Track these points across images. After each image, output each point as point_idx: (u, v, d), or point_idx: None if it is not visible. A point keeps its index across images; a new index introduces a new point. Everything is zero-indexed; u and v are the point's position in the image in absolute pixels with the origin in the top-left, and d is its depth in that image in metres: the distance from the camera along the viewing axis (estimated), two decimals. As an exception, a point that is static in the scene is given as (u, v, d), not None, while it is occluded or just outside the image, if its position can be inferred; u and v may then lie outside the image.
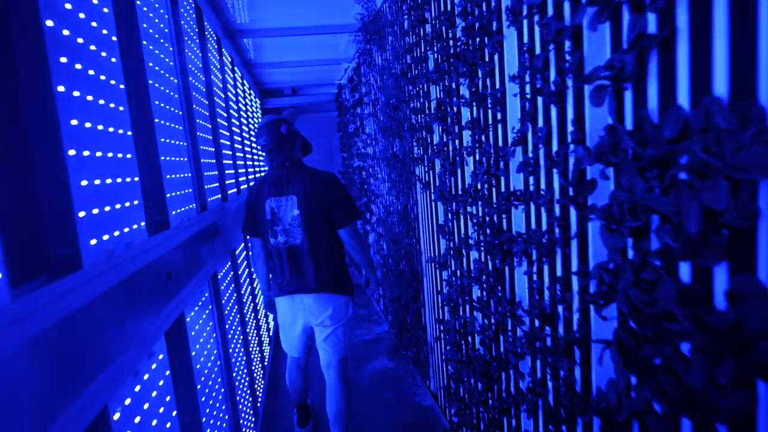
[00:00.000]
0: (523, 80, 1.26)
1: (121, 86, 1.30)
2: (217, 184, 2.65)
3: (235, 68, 3.62)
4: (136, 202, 1.33)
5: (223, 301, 2.22)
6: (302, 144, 2.25)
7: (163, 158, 1.55)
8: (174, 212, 1.67)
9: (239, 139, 3.72)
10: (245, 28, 3.40)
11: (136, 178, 1.34)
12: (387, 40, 2.79)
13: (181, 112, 1.97)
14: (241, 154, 3.85)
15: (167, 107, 1.75)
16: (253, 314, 3.25)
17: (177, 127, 1.88)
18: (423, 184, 2.46)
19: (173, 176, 1.73)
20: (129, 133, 1.32)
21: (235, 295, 2.62)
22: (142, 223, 1.35)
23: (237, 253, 2.88)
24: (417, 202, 2.68)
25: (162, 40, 1.69)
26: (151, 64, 1.51)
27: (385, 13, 2.83)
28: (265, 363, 3.48)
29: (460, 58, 1.68)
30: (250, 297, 3.27)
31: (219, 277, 2.20)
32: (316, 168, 2.20)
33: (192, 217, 1.94)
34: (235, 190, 3.11)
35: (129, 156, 1.30)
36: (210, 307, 2.06)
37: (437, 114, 2.01)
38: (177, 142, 1.86)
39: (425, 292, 2.78)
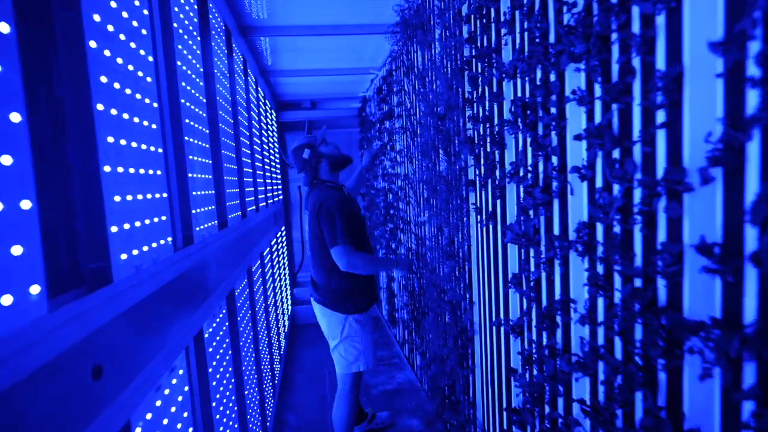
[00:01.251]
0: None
1: (155, 104, 1.36)
2: (238, 201, 2.72)
3: (248, 71, 3.50)
4: (164, 218, 1.37)
5: (239, 318, 2.29)
6: (330, 163, 2.42)
7: (191, 175, 1.63)
8: (197, 228, 1.73)
9: (258, 155, 3.85)
10: (261, 24, 3.19)
11: (165, 194, 1.39)
12: (433, 34, 2.40)
13: (207, 131, 2.08)
14: (261, 171, 3.98)
15: (196, 125, 1.85)
16: (266, 332, 3.29)
17: (204, 144, 1.98)
18: (486, 217, 1.85)
19: (198, 193, 1.80)
20: (160, 150, 1.38)
21: (249, 312, 2.70)
22: (169, 239, 1.39)
23: (253, 269, 2.94)
24: (470, 239, 2.13)
25: (190, 56, 1.80)
26: (183, 83, 1.60)
27: (430, 3, 2.44)
28: (276, 381, 3.48)
29: (575, 33, 1.14)
30: (264, 314, 3.33)
31: (236, 293, 2.28)
32: (329, 188, 2.37)
33: (213, 234, 2.01)
34: (254, 207, 3.20)
35: (159, 173, 1.36)
36: (226, 324, 2.12)
37: (519, 120, 1.45)
38: (203, 160, 1.95)
39: (477, 356, 2.18)
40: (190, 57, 1.79)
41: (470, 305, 2.15)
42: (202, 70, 1.98)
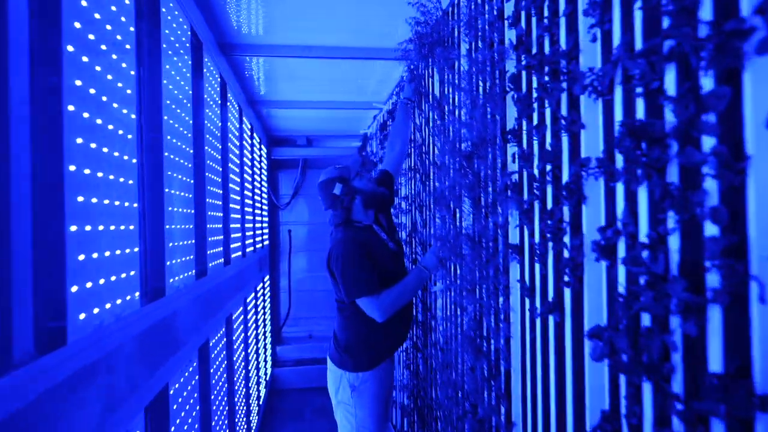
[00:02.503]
0: None
1: (134, 161, 1.41)
2: (221, 249, 2.69)
3: (229, 97, 3.11)
4: (132, 273, 1.38)
5: (212, 371, 2.27)
6: (365, 199, 2.08)
7: (168, 227, 1.65)
8: (171, 280, 1.73)
9: (247, 195, 3.75)
10: (248, 42, 2.80)
11: (136, 249, 1.41)
12: (458, 50, 1.92)
13: (192, 181, 2.09)
14: (250, 215, 3.83)
15: (180, 176, 1.89)
16: (243, 383, 3.19)
17: (187, 195, 2.01)
18: (544, 306, 1.21)
19: (175, 244, 1.79)
20: (135, 205, 1.42)
21: (225, 363, 2.64)
22: (137, 294, 1.40)
23: (234, 317, 2.87)
24: (509, 329, 1.46)
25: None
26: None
27: (453, 14, 2.02)
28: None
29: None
30: (243, 364, 3.26)
31: (210, 344, 2.25)
32: (346, 230, 2.06)
33: (189, 284, 2.00)
34: (239, 253, 3.11)
35: (132, 227, 1.38)
36: (196, 377, 2.09)
37: (625, 158, 0.87)
38: (184, 210, 1.96)
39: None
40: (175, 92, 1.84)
41: (508, 428, 1.44)
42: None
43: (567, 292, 1.11)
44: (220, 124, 2.74)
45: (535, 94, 1.23)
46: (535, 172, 1.25)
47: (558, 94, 1.13)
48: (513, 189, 1.35)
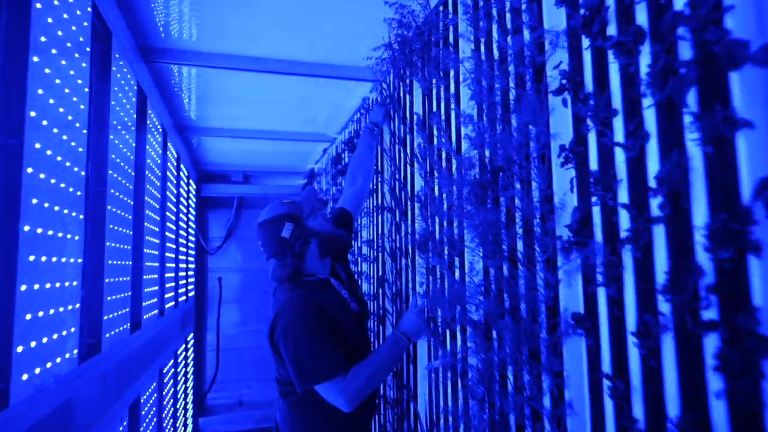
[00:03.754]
0: None
1: (81, 216, 1.47)
2: (156, 299, 2.69)
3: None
4: (72, 330, 1.40)
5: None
6: (322, 245, 1.65)
7: (107, 280, 1.70)
8: (107, 335, 1.73)
9: (161, 238, 3.52)
10: (181, 48, 2.35)
11: (77, 305, 1.44)
12: (453, 55, 1.51)
13: (131, 232, 2.12)
14: (171, 263, 3.57)
15: (120, 229, 1.93)
16: None
17: (125, 247, 2.03)
18: None
19: (112, 297, 1.80)
20: (80, 260, 1.47)
21: (155, 419, 2.61)
22: (75, 351, 1.41)
23: (165, 371, 2.86)
24: None
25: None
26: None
27: (442, 13, 1.65)
28: None
29: None
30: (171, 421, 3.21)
31: (141, 401, 2.25)
32: (297, 287, 1.61)
33: (124, 339, 1.97)
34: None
35: (75, 283, 1.42)
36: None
37: None
38: (122, 263, 1.97)
39: None
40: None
41: None
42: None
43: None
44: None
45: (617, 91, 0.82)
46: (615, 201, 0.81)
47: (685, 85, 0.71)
48: (578, 230, 0.90)
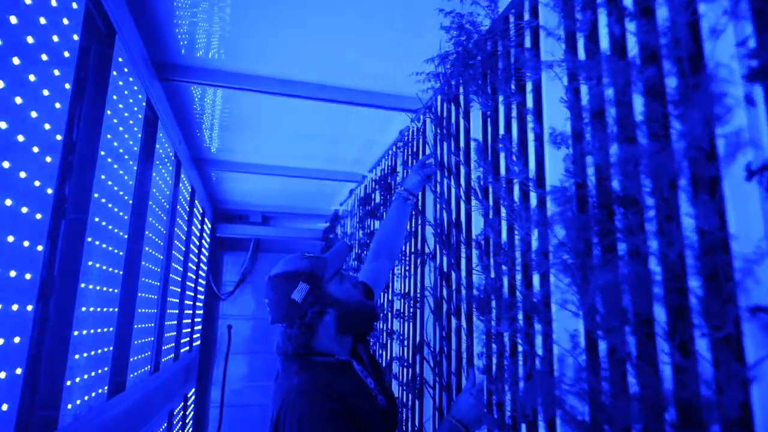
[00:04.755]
0: None
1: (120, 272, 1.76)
2: (173, 344, 2.89)
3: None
4: (106, 369, 1.65)
5: None
6: (342, 317, 1.28)
7: (136, 326, 1.94)
8: (131, 375, 1.93)
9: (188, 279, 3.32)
10: (202, 66, 2.10)
11: (111, 348, 1.69)
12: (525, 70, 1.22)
13: (159, 283, 2.39)
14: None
15: (150, 281, 2.21)
16: None
17: (153, 296, 2.25)
18: None
19: (138, 342, 2.01)
20: (115, 309, 1.73)
21: None
22: (105, 388, 1.66)
23: (175, 413, 3.00)
24: None
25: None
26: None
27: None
28: None
29: None
30: None
31: None
32: (310, 368, 1.23)
33: (144, 379, 2.15)
34: (188, 348, 3.19)
35: (111, 329, 1.69)
36: None
37: None
38: (149, 310, 2.20)
39: None
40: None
41: None
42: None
43: None
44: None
45: None
46: None
47: None
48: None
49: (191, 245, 3.52)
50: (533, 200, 1.19)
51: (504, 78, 1.36)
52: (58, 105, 1.24)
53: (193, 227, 3.54)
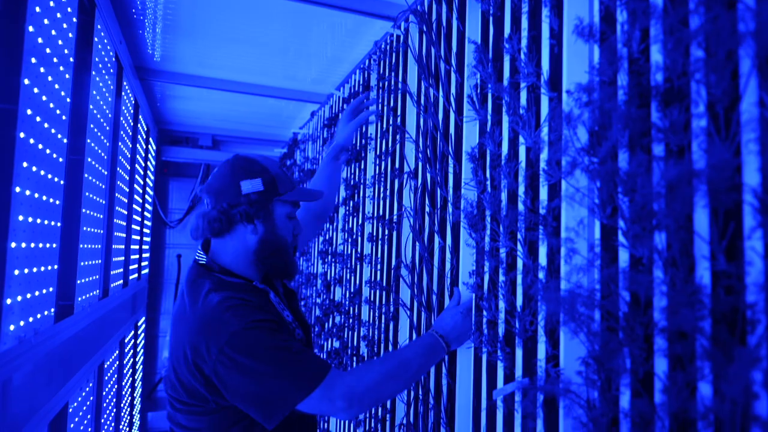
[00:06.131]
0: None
1: (61, 182, 1.59)
2: (122, 270, 2.74)
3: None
4: (51, 289, 1.55)
5: (104, 393, 2.34)
6: (263, 241, 1.18)
7: (82, 246, 1.80)
8: (79, 299, 1.84)
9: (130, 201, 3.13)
10: None
11: (56, 266, 1.58)
12: None
13: (104, 201, 2.22)
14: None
15: (94, 197, 2.04)
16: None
17: (98, 215, 2.12)
18: None
19: (85, 263, 1.90)
20: (59, 224, 1.59)
21: (116, 386, 2.71)
22: (52, 310, 1.57)
23: (126, 341, 2.97)
24: None
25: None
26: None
27: None
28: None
29: None
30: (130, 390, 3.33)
31: (105, 366, 2.33)
32: (225, 288, 1.12)
33: (94, 304, 2.07)
34: (136, 275, 3.10)
35: (54, 245, 1.56)
36: (91, 398, 2.16)
37: None
38: (94, 230, 2.06)
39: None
40: None
41: None
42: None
43: None
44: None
45: None
46: None
47: None
48: None
49: (137, 165, 3.23)
50: (545, 105, 1.09)
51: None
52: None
53: (138, 146, 3.23)
